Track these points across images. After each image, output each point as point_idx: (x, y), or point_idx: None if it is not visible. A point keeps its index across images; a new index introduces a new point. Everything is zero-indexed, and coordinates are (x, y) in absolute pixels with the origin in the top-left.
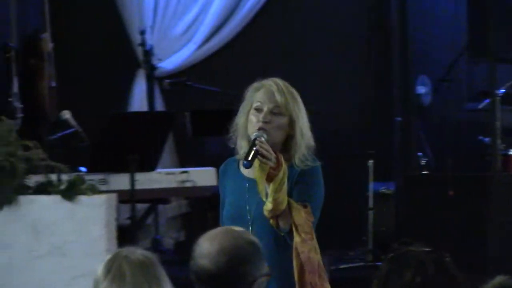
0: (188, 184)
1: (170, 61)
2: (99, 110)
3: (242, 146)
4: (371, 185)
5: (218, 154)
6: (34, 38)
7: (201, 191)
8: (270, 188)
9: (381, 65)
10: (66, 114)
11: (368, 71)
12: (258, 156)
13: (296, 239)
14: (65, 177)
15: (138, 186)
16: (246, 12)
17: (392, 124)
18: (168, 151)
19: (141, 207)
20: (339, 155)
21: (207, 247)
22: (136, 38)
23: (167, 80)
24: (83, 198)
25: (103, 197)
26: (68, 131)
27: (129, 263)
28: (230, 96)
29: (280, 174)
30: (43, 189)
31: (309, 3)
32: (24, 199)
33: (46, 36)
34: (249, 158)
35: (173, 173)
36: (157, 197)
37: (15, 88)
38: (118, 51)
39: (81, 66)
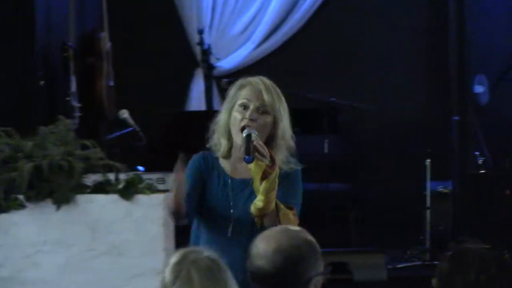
0: None
1: (228, 60)
2: (156, 109)
3: (221, 143)
4: (429, 184)
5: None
6: (92, 37)
7: None
8: (262, 186)
9: (439, 64)
10: (124, 113)
11: (426, 70)
12: (256, 153)
13: None
14: (123, 176)
15: None
16: (304, 11)
17: (449, 123)
18: None
19: None
20: (396, 154)
21: (263, 247)
22: (194, 37)
23: (225, 79)
24: (141, 197)
25: (160, 196)
26: (126, 130)
27: (197, 269)
28: (289, 95)
29: (274, 173)
30: (101, 188)
31: (368, 1)
32: (82, 198)
33: (104, 35)
34: (250, 154)
35: None
36: None
37: (73, 87)
38: (176, 50)
39: (139, 65)
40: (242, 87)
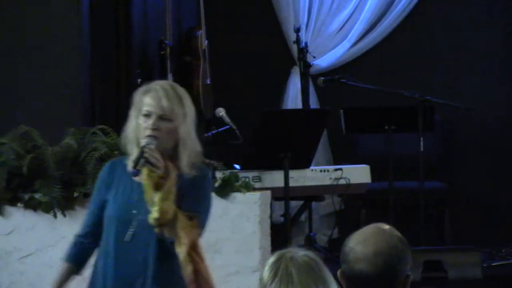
0: (342, 182)
1: (325, 58)
2: (253, 107)
3: (132, 151)
4: None
5: (372, 152)
6: (189, 35)
7: (355, 188)
8: (157, 197)
9: None
10: (221, 112)
11: None
12: (147, 164)
13: (181, 255)
14: (219, 174)
15: (292, 183)
16: (401, 9)
17: None
18: (322, 149)
19: (294, 204)
20: (492, 152)
21: (361, 250)
22: (291, 36)
23: (322, 78)
24: (237, 196)
25: (257, 194)
26: (222, 128)
27: (296, 265)
28: (384, 94)
29: (168, 183)
30: None
31: (463, 1)
32: None
33: (201, 33)
34: (137, 167)
35: (327, 171)
36: (311, 194)
37: None
38: (272, 49)
39: (236, 63)
40: (144, 93)
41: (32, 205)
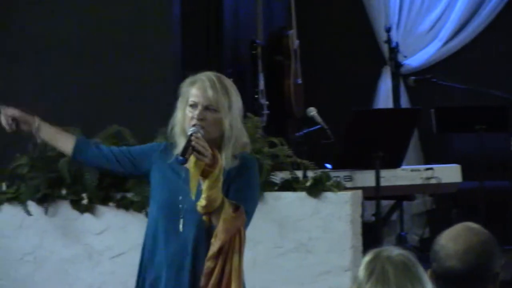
0: (433, 181)
1: (415, 58)
2: (344, 107)
3: (179, 141)
4: None
5: (463, 151)
6: (280, 35)
7: (446, 187)
8: (204, 185)
9: None
10: (312, 111)
11: None
12: (194, 153)
13: (211, 248)
14: (310, 174)
15: (383, 183)
16: (491, 8)
17: None
18: (413, 148)
19: (386, 203)
20: None
21: (452, 247)
22: (382, 35)
23: (412, 77)
24: (328, 195)
25: (348, 193)
26: (313, 128)
27: (392, 264)
28: (474, 93)
29: (216, 171)
30: (288, 185)
31: None
32: (270, 195)
33: (292, 33)
34: (185, 155)
35: (418, 170)
36: (402, 194)
37: (261, 85)
38: (363, 48)
39: (327, 62)
40: (191, 84)
41: (124, 205)
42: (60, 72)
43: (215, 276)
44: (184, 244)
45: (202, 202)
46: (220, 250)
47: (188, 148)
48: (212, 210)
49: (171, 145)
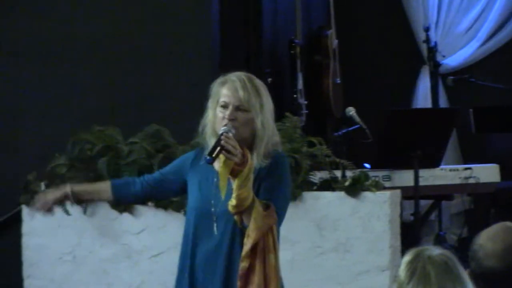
0: (471, 181)
1: (454, 58)
2: (383, 106)
3: (209, 142)
4: None
5: (502, 151)
6: (319, 34)
7: (484, 187)
8: (234, 184)
9: None
10: (351, 111)
11: None
12: (223, 152)
13: (244, 247)
14: (349, 173)
15: (422, 183)
16: None
17: None
18: (451, 148)
19: (424, 203)
20: None
21: (491, 247)
22: (421, 35)
23: (451, 77)
24: (367, 195)
25: (387, 193)
26: (352, 128)
27: (433, 264)
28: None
29: (246, 170)
30: (327, 185)
31: None
32: (308, 195)
33: (331, 32)
34: (213, 154)
35: (456, 170)
36: (441, 193)
37: (300, 84)
38: (402, 48)
39: (366, 62)
40: (221, 85)
41: (163, 204)
42: (100, 73)
43: (253, 276)
44: (218, 246)
45: (232, 201)
46: (254, 250)
47: (217, 147)
48: (243, 210)
49: (202, 149)
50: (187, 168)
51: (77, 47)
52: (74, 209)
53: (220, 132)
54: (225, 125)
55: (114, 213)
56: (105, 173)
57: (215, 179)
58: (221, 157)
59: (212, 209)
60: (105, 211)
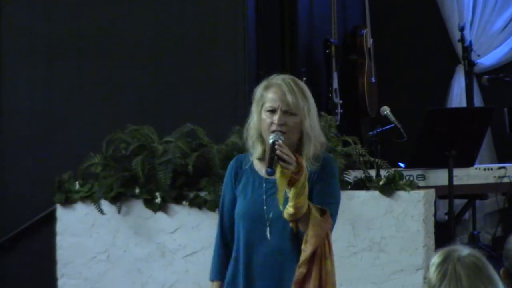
0: (505, 180)
1: (489, 57)
2: (418, 105)
3: (255, 147)
4: None
5: None
6: (354, 34)
7: None
8: (291, 193)
9: None
10: (386, 110)
11: None
12: (280, 162)
13: (303, 253)
14: (383, 172)
15: (456, 182)
16: None
17: None
18: (485, 147)
19: (458, 202)
20: None
21: None
22: (456, 34)
23: (486, 76)
24: (401, 194)
25: (421, 192)
26: (387, 127)
27: (464, 266)
28: None
29: (302, 178)
30: (362, 184)
31: None
32: (343, 194)
33: (366, 32)
34: (273, 166)
35: (490, 169)
36: (475, 193)
37: (335, 83)
38: (437, 47)
39: (401, 61)
40: (266, 88)
41: (197, 204)
42: (135, 73)
43: (309, 282)
44: (274, 251)
45: (289, 210)
46: (311, 256)
47: (274, 158)
48: (299, 217)
49: (245, 155)
50: (234, 182)
51: (112, 47)
52: (109, 208)
53: (271, 141)
54: (273, 131)
55: (148, 212)
56: (140, 173)
57: (263, 184)
58: (278, 167)
59: (266, 215)
60: (139, 210)
